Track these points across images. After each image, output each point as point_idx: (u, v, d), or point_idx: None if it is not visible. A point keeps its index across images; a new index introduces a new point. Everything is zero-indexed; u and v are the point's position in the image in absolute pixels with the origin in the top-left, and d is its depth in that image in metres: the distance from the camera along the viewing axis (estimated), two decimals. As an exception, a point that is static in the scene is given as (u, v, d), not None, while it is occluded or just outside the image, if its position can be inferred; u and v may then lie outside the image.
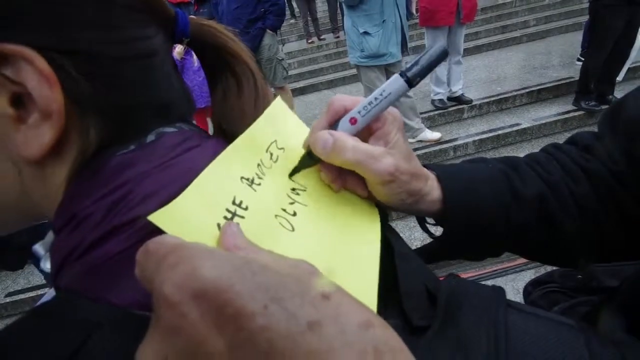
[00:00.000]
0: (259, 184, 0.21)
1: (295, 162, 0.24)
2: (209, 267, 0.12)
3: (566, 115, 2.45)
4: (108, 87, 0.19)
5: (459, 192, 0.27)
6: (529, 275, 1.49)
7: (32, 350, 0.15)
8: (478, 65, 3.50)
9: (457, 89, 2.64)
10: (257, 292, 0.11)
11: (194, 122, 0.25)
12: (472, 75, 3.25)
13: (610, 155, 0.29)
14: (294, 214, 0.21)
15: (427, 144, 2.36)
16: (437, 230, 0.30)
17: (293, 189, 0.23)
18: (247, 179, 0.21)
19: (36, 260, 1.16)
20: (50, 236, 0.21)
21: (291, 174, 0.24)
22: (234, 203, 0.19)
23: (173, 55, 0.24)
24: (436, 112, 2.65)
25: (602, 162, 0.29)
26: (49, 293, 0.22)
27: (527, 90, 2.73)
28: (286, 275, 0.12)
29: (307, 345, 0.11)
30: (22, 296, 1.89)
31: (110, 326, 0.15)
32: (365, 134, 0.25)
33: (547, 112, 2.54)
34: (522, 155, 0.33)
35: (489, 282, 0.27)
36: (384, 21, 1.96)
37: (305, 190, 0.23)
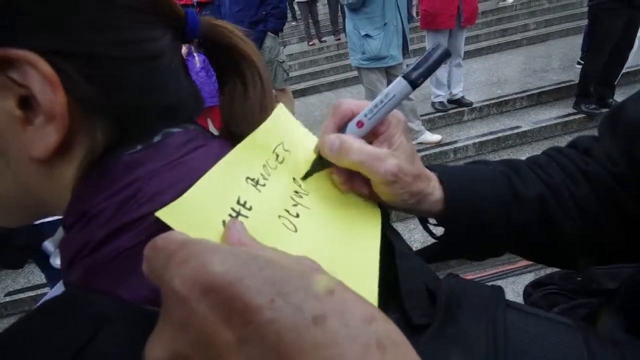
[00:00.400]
0: (264, 185, 0.21)
1: (300, 164, 0.25)
2: (217, 263, 0.12)
3: (566, 119, 2.45)
4: (113, 89, 0.19)
5: (460, 193, 0.28)
6: (529, 277, 1.49)
7: (42, 344, 0.15)
8: (478, 68, 3.51)
9: (458, 91, 2.65)
10: (264, 286, 0.12)
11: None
12: (472, 78, 3.26)
13: (610, 157, 0.29)
14: (297, 216, 0.21)
15: (428, 146, 2.37)
16: (439, 231, 0.31)
17: (296, 192, 0.23)
18: (252, 180, 0.21)
19: (38, 259, 1.16)
20: (60, 233, 0.21)
21: (304, 178, 0.25)
22: (238, 203, 0.19)
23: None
24: (436, 115, 2.65)
25: (602, 164, 0.29)
26: (58, 287, 0.23)
27: (527, 93, 2.74)
28: (290, 270, 0.13)
29: (312, 338, 0.11)
30: (21, 295, 1.89)
31: (119, 321, 0.16)
32: (371, 136, 0.26)
33: (548, 115, 2.54)
34: (522, 158, 0.33)
35: (489, 284, 0.27)
36: (385, 24, 1.97)
37: (308, 194, 0.23)
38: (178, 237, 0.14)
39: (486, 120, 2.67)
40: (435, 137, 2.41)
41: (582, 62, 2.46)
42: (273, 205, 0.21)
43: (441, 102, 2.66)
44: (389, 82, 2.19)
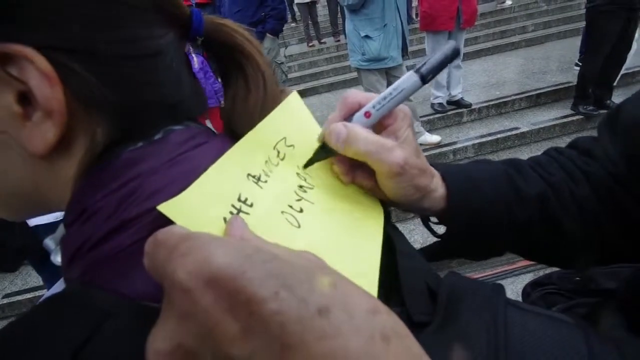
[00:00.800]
0: (266, 181, 0.21)
1: (304, 159, 0.25)
2: (221, 255, 0.12)
3: (564, 120, 2.46)
4: (112, 86, 0.19)
5: (462, 190, 0.28)
6: (527, 278, 1.49)
7: (43, 340, 0.15)
8: (477, 70, 3.52)
9: (457, 92, 2.65)
10: (268, 278, 0.12)
11: None
12: (471, 80, 3.27)
13: (609, 157, 0.29)
14: (301, 211, 0.21)
15: (427, 147, 2.37)
16: (440, 229, 0.31)
17: (300, 186, 0.23)
18: (254, 176, 0.21)
19: (34, 261, 1.16)
20: (61, 230, 0.22)
21: (305, 166, 0.25)
22: (239, 199, 0.19)
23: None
24: (436, 116, 2.66)
25: (602, 164, 0.29)
26: (59, 284, 0.23)
27: (525, 94, 2.75)
28: (294, 264, 0.13)
29: (317, 329, 0.11)
30: (19, 297, 1.88)
31: (120, 316, 0.16)
32: (378, 129, 0.26)
33: (546, 117, 2.55)
34: (521, 158, 0.33)
35: (490, 283, 0.27)
36: (385, 25, 1.97)
37: (312, 188, 0.23)
38: (180, 231, 0.14)
39: (485, 121, 2.68)
40: (434, 138, 2.42)
41: (580, 64, 2.47)
42: (275, 201, 0.21)
43: (440, 104, 2.67)
44: (388, 84, 2.20)
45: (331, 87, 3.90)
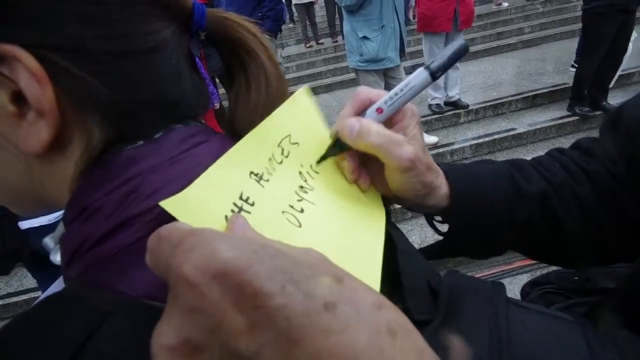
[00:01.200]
0: (268, 180, 0.21)
1: (309, 157, 0.25)
2: (227, 249, 0.12)
3: (561, 121, 2.48)
4: (106, 84, 0.18)
5: (464, 188, 0.28)
6: (525, 278, 1.50)
7: (42, 340, 0.15)
8: (474, 71, 3.54)
9: (454, 93, 2.66)
10: (274, 273, 0.12)
11: None
12: (468, 81, 3.29)
13: (610, 157, 0.30)
14: (302, 211, 0.21)
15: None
16: (443, 228, 0.31)
17: (301, 187, 0.23)
18: (257, 174, 0.21)
19: (28, 264, 1.15)
20: (60, 229, 0.21)
21: (319, 162, 0.25)
22: (241, 198, 0.19)
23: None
24: (433, 117, 2.67)
25: (603, 164, 0.30)
26: (58, 283, 0.23)
27: (522, 95, 2.77)
28: (299, 260, 0.13)
29: (324, 323, 0.11)
30: (14, 299, 1.86)
31: (120, 315, 0.15)
32: (387, 125, 0.26)
33: (542, 118, 2.57)
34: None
35: (489, 281, 0.27)
36: (382, 26, 1.98)
37: (312, 190, 0.23)
38: (184, 227, 0.14)
39: (482, 122, 2.70)
40: (432, 139, 2.43)
41: (576, 66, 2.49)
42: (277, 200, 0.21)
43: (438, 104, 2.68)
44: (386, 84, 2.20)
45: (329, 88, 3.90)
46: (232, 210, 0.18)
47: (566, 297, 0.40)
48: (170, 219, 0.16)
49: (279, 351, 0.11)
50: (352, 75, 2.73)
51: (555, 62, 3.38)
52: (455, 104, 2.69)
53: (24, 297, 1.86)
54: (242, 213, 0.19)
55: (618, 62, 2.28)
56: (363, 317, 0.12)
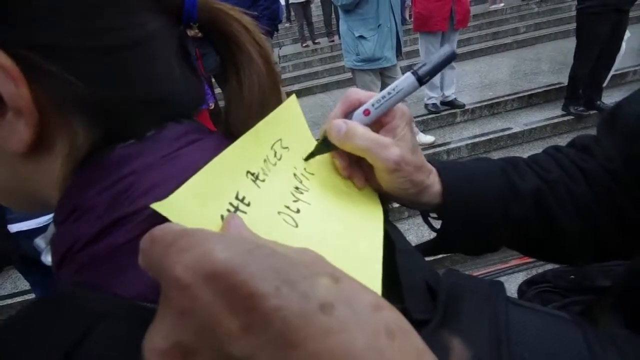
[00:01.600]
0: (263, 180, 0.21)
1: (299, 162, 0.25)
2: (220, 250, 0.12)
3: (556, 120, 2.50)
4: (88, 81, 0.17)
5: (457, 186, 0.28)
6: (521, 276, 1.51)
7: (35, 340, 0.15)
8: (470, 71, 3.56)
9: (450, 93, 2.68)
10: (269, 274, 0.11)
11: None
12: (464, 80, 3.31)
13: (607, 155, 0.30)
14: (298, 211, 0.21)
15: (421, 147, 2.39)
16: (438, 224, 0.31)
17: (297, 188, 0.23)
18: (253, 174, 0.21)
19: (20, 266, 1.13)
20: (51, 229, 0.21)
21: (306, 159, 0.25)
22: (237, 198, 0.19)
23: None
24: (429, 116, 2.68)
25: (599, 162, 0.30)
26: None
27: (518, 95, 2.79)
28: (295, 260, 0.12)
29: (321, 325, 0.11)
30: (9, 301, 1.84)
31: (114, 317, 0.15)
32: (376, 126, 0.27)
33: (538, 117, 2.59)
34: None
35: (488, 279, 0.27)
36: (379, 26, 1.98)
37: (308, 191, 0.23)
38: (177, 227, 0.13)
39: (478, 121, 2.71)
40: (428, 139, 2.43)
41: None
42: (272, 201, 0.20)
43: (434, 104, 2.69)
44: (382, 84, 2.20)
45: (325, 88, 3.90)
46: (228, 210, 0.18)
47: (563, 295, 0.40)
48: (165, 218, 0.15)
49: (274, 354, 0.11)
50: (349, 74, 2.73)
51: (550, 62, 3.41)
52: (451, 104, 2.70)
53: (18, 299, 1.84)
54: (238, 213, 0.18)
55: (612, 62, 2.29)
56: (361, 318, 0.11)
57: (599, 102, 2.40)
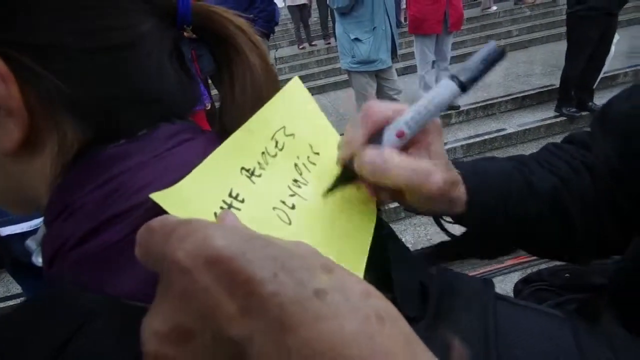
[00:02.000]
0: (259, 175, 0.21)
1: (305, 147, 0.23)
2: (220, 237, 0.12)
3: (549, 121, 2.54)
4: (78, 81, 0.18)
5: (480, 193, 0.27)
6: (516, 276, 1.53)
7: (25, 339, 0.15)
8: (465, 73, 3.59)
9: (445, 95, 2.69)
10: (266, 261, 0.12)
11: None
12: (459, 82, 3.34)
13: (604, 153, 0.30)
14: (293, 207, 0.21)
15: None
16: (451, 229, 0.31)
17: (295, 180, 0.22)
18: (248, 170, 0.20)
19: (12, 271, 1.11)
20: (42, 230, 0.21)
21: (325, 194, 0.22)
22: (230, 195, 0.19)
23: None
24: (425, 118, 2.70)
25: (598, 158, 0.30)
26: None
27: (511, 96, 2.82)
28: (290, 250, 0.13)
29: (314, 310, 0.11)
30: (1, 305, 1.81)
31: (105, 316, 0.15)
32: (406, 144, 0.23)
33: (531, 118, 2.63)
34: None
35: (479, 277, 0.27)
36: (374, 28, 2.00)
37: (306, 184, 0.22)
38: (174, 218, 0.14)
39: (473, 123, 2.74)
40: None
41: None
42: (268, 196, 0.20)
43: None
44: (378, 85, 2.22)
45: (322, 89, 3.91)
46: (222, 207, 0.18)
47: (558, 294, 0.40)
48: (159, 214, 0.15)
49: (270, 337, 0.11)
50: (345, 76, 2.74)
51: (543, 64, 3.46)
52: (446, 105, 2.72)
53: (10, 302, 1.80)
54: (232, 210, 0.18)
55: (601, 64, 2.33)
56: (352, 304, 0.12)
57: (590, 104, 2.45)
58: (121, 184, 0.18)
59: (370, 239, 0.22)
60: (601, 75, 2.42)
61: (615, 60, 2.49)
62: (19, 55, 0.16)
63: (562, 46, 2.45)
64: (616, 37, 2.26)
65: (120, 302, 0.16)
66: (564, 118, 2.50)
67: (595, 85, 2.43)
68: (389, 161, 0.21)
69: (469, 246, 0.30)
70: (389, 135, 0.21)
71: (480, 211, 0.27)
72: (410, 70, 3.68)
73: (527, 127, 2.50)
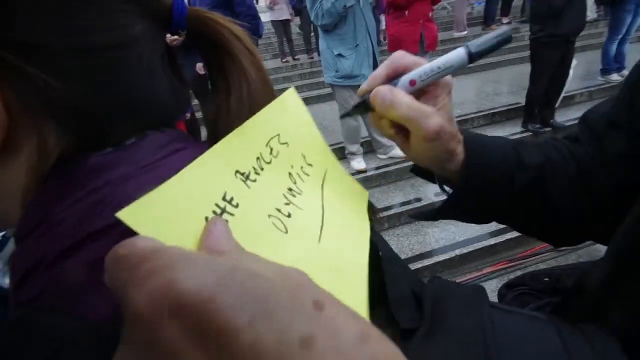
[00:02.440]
0: (255, 180, 0.19)
1: (299, 158, 0.23)
2: (188, 277, 0.10)
3: (516, 136, 2.72)
4: (65, 82, 0.16)
5: (476, 156, 0.30)
6: (495, 283, 1.58)
7: None
8: (440, 90, 3.79)
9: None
10: (243, 303, 0.10)
11: None
12: (435, 99, 3.51)
13: (587, 153, 0.33)
14: (289, 215, 0.20)
15: (398, 160, 2.47)
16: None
17: (290, 189, 0.21)
18: (243, 174, 0.19)
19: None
20: (10, 247, 0.19)
21: (342, 117, 0.28)
22: (224, 199, 0.17)
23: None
24: (405, 131, 2.80)
25: (586, 151, 0.33)
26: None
27: (483, 113, 3.02)
28: (276, 284, 0.11)
29: None
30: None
31: (81, 343, 0.14)
32: (418, 93, 0.27)
33: (501, 133, 2.80)
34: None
35: (469, 284, 0.28)
36: (357, 45, 2.08)
37: (301, 194, 0.22)
38: (143, 245, 0.12)
39: (449, 137, 2.87)
40: (400, 153, 2.53)
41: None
42: (263, 203, 0.19)
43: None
44: (360, 100, 2.28)
45: (305, 102, 3.78)
46: (214, 212, 0.16)
47: (538, 297, 0.42)
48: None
49: None
50: (328, 89, 2.80)
51: (510, 84, 3.73)
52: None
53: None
54: (225, 215, 0.17)
55: (562, 85, 2.57)
56: (345, 352, 0.10)
57: (552, 121, 2.67)
58: (105, 196, 0.16)
59: (367, 253, 0.22)
60: (562, 96, 2.65)
61: (573, 82, 2.74)
62: (3, 52, 0.15)
63: (526, 68, 2.66)
64: (574, 62, 2.51)
65: (99, 328, 0.14)
66: (530, 133, 2.70)
67: (557, 104, 2.65)
68: (397, 97, 0.25)
69: (462, 206, 0.32)
70: (404, 81, 0.26)
71: (476, 177, 0.30)
72: (389, 86, 3.81)
73: (498, 141, 2.66)
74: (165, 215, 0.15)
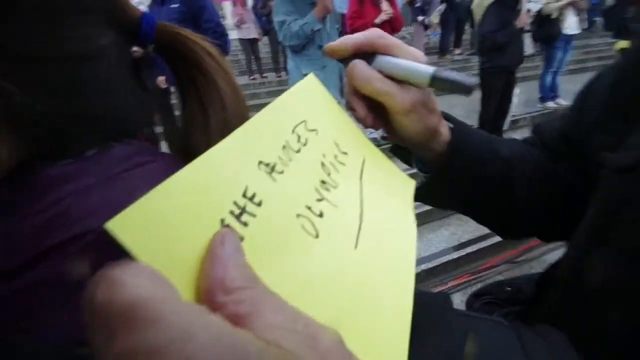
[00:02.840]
0: (282, 172, 0.16)
1: (330, 146, 0.21)
2: (178, 353, 0.08)
3: (472, 155, 2.98)
4: (26, 90, 0.16)
5: (461, 141, 0.31)
6: (458, 296, 1.64)
7: None
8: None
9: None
10: None
11: None
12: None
13: (541, 156, 0.37)
14: (321, 215, 0.17)
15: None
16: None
17: (323, 182, 0.18)
18: (267, 165, 0.16)
19: None
20: None
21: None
22: (244, 195, 0.14)
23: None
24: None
25: (542, 154, 0.37)
26: None
27: (442, 133, 3.27)
28: (300, 357, 0.09)
29: None
30: None
31: None
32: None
33: (459, 152, 3.05)
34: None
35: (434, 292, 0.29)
36: (324, 67, 2.16)
37: (336, 187, 0.19)
38: (125, 297, 0.09)
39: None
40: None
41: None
42: (292, 200, 0.16)
43: (375, 138, 2.96)
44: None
45: (273, 120, 3.96)
46: (232, 212, 0.13)
47: (501, 306, 0.44)
48: (109, 246, 0.10)
49: None
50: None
51: (464, 109, 4.10)
52: (388, 138, 3.00)
53: None
54: (245, 216, 0.14)
55: (507, 110, 2.94)
56: None
57: (501, 142, 3.01)
58: (65, 209, 0.16)
59: (414, 264, 0.19)
60: (509, 120, 2.99)
61: (519, 107, 3.11)
62: None
63: (477, 94, 2.98)
64: (517, 90, 2.90)
65: (62, 350, 0.13)
66: (484, 153, 2.99)
67: (506, 127, 2.99)
68: (372, 74, 0.27)
69: (440, 190, 0.33)
70: (377, 62, 0.28)
71: (461, 159, 0.31)
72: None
73: (456, 160, 2.89)
74: (169, 223, 0.11)
